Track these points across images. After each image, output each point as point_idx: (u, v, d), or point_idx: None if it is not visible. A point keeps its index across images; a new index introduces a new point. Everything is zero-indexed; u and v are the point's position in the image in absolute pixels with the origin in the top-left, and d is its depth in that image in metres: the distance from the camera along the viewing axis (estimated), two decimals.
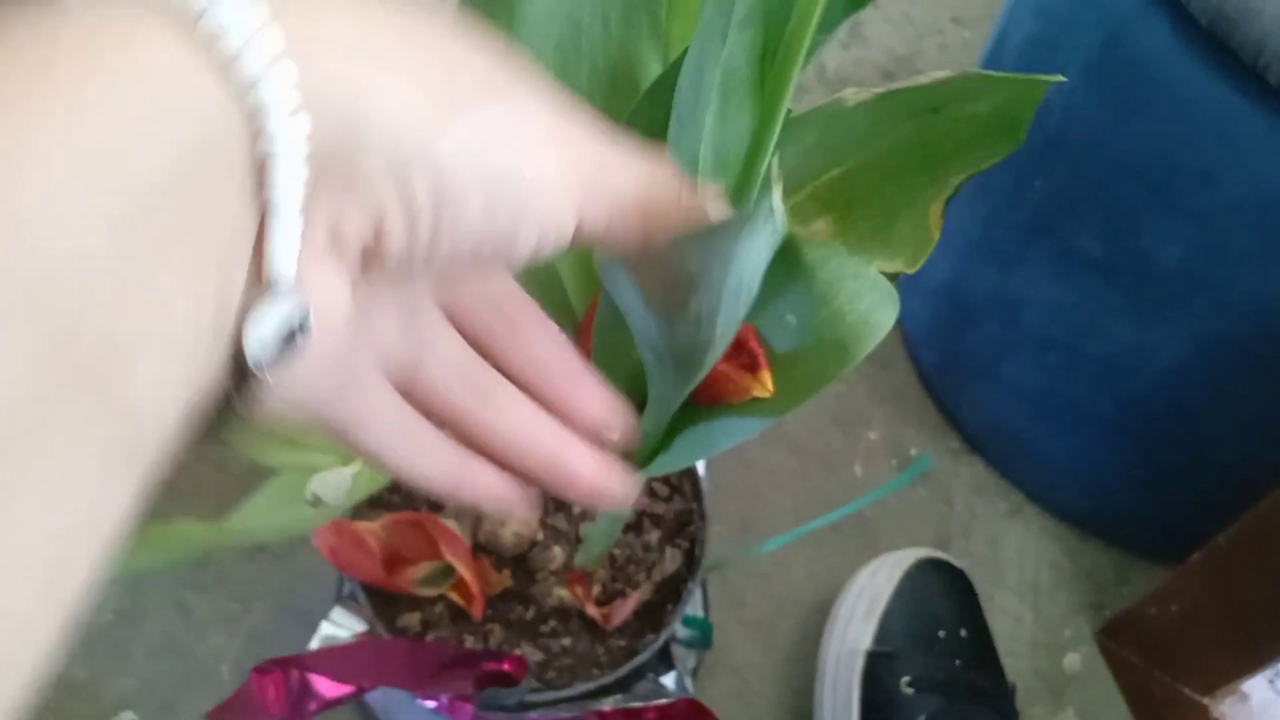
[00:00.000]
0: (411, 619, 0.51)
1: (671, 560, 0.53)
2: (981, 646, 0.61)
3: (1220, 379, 0.57)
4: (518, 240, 0.20)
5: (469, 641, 0.51)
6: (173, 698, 0.60)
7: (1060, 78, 0.30)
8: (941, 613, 0.61)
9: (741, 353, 0.34)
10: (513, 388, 0.25)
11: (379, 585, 0.50)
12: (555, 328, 0.27)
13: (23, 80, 0.13)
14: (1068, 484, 0.71)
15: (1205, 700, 0.61)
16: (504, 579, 0.53)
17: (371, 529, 0.50)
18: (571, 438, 0.26)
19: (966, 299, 0.69)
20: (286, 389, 0.19)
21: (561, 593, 0.51)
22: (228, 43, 0.15)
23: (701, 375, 0.34)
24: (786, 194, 0.36)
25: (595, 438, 0.26)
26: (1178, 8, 0.49)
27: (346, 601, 0.53)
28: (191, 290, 0.15)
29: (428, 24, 0.19)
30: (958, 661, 0.59)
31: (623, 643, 0.51)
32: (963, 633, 0.61)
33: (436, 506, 0.55)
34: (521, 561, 0.54)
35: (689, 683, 0.55)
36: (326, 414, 0.22)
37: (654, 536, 0.54)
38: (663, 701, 0.46)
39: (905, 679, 0.58)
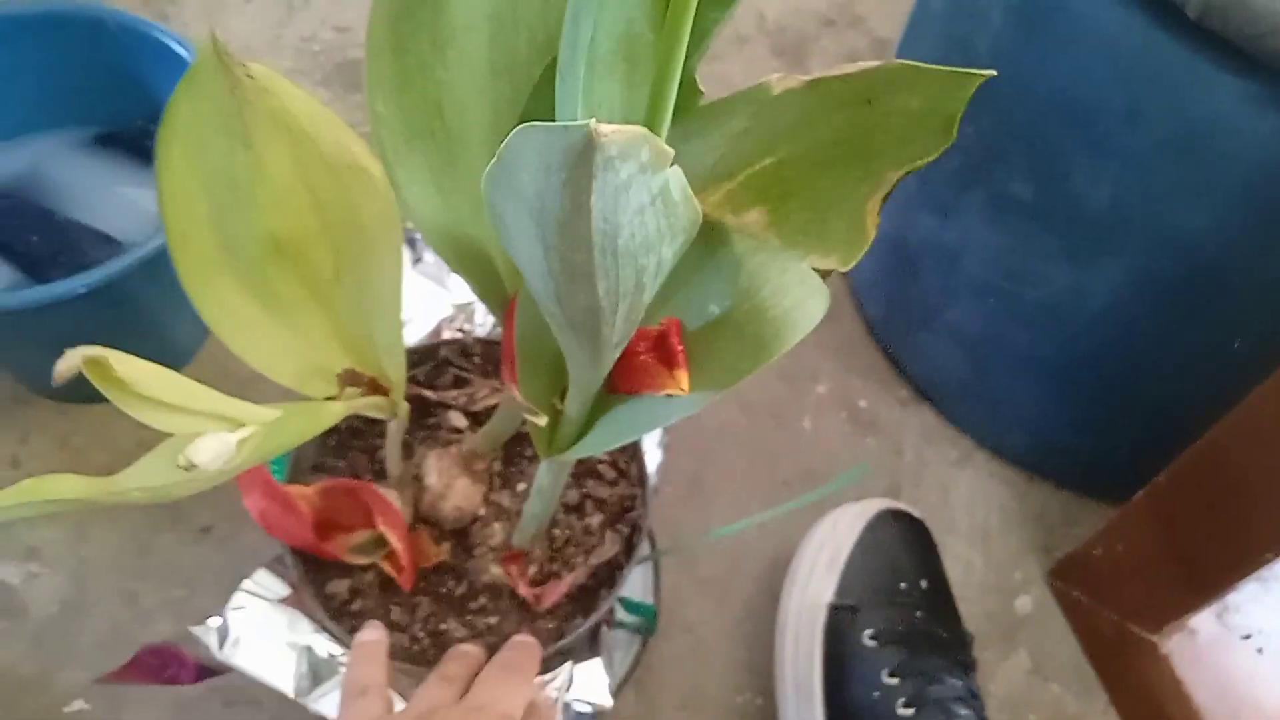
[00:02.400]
0: (340, 586, 0.51)
1: (611, 544, 0.52)
2: (941, 597, 0.61)
3: (1153, 319, 0.56)
4: None
5: (395, 613, 0.51)
6: (122, 687, 0.59)
7: (991, 73, 0.29)
8: (902, 564, 0.61)
9: (662, 347, 0.34)
10: None
11: (309, 550, 0.50)
12: None
13: None
14: (1014, 429, 0.71)
15: (1154, 637, 0.62)
16: (441, 551, 0.52)
17: (305, 493, 0.50)
18: None
19: (907, 249, 0.69)
20: None
21: (496, 570, 0.51)
22: None
23: (607, 351, 0.33)
24: (719, 179, 0.35)
25: None
26: None
27: (274, 565, 0.52)
28: None
29: None
30: (919, 613, 0.59)
31: (552, 625, 0.51)
32: (923, 584, 0.61)
33: (380, 475, 0.54)
34: (462, 536, 0.54)
35: (608, 671, 0.54)
36: None
37: (596, 520, 0.53)
38: None
39: (868, 632, 0.58)
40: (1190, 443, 0.54)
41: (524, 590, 0.50)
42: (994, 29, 0.55)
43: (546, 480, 0.47)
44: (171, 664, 0.49)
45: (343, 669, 0.49)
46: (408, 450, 0.55)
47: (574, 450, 0.40)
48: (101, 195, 0.67)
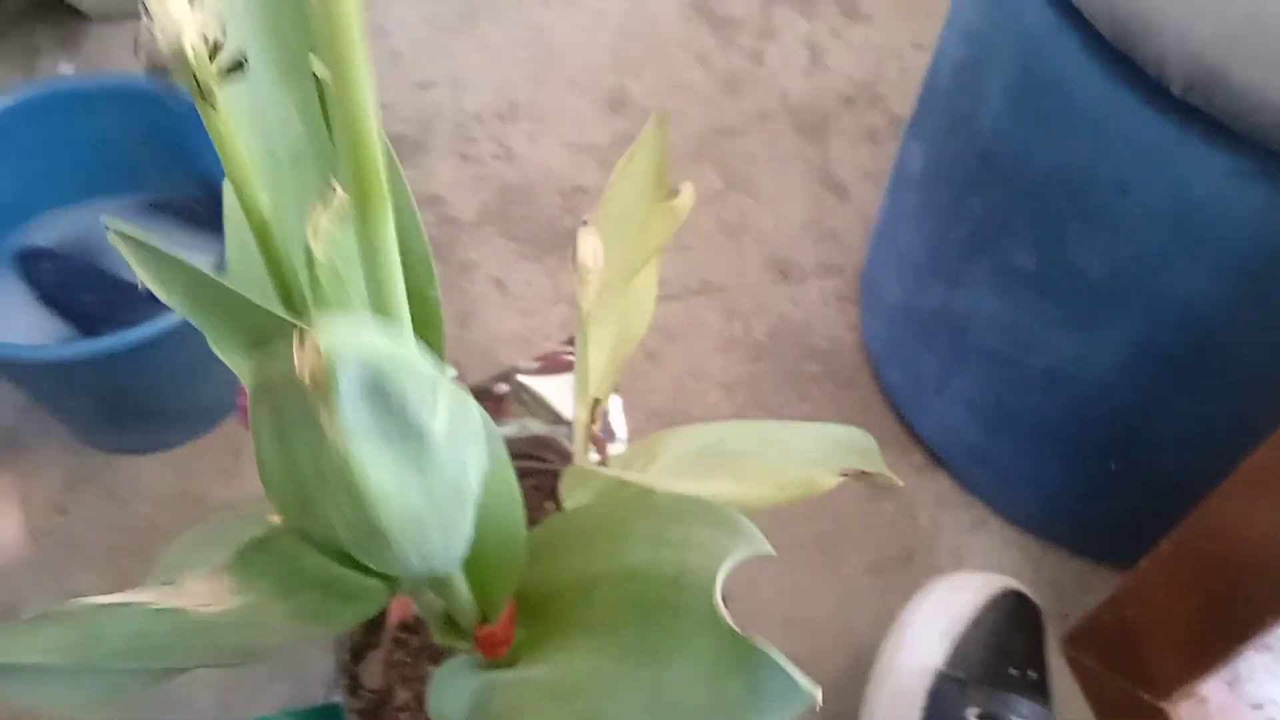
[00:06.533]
0: None
1: None
2: (1046, 692, 0.61)
3: (1153, 386, 0.58)
4: None
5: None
6: None
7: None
8: (1016, 648, 0.61)
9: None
10: None
11: None
12: None
13: None
14: (1027, 495, 0.72)
15: (1164, 705, 0.62)
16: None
17: None
18: None
19: (918, 316, 0.71)
20: None
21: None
22: None
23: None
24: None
25: None
26: (1086, 25, 0.51)
27: None
28: None
29: None
30: (1024, 705, 0.59)
31: None
32: (1031, 673, 0.60)
33: None
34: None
35: None
36: None
37: None
38: None
39: (974, 710, 0.58)
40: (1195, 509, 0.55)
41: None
42: (994, 108, 0.57)
43: None
44: None
45: None
46: None
47: None
48: None
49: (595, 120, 0.93)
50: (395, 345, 0.19)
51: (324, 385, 0.18)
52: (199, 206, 0.73)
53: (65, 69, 0.89)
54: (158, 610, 0.27)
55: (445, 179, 0.88)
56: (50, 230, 0.72)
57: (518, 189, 0.88)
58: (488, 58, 0.97)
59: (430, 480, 0.22)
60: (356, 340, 0.18)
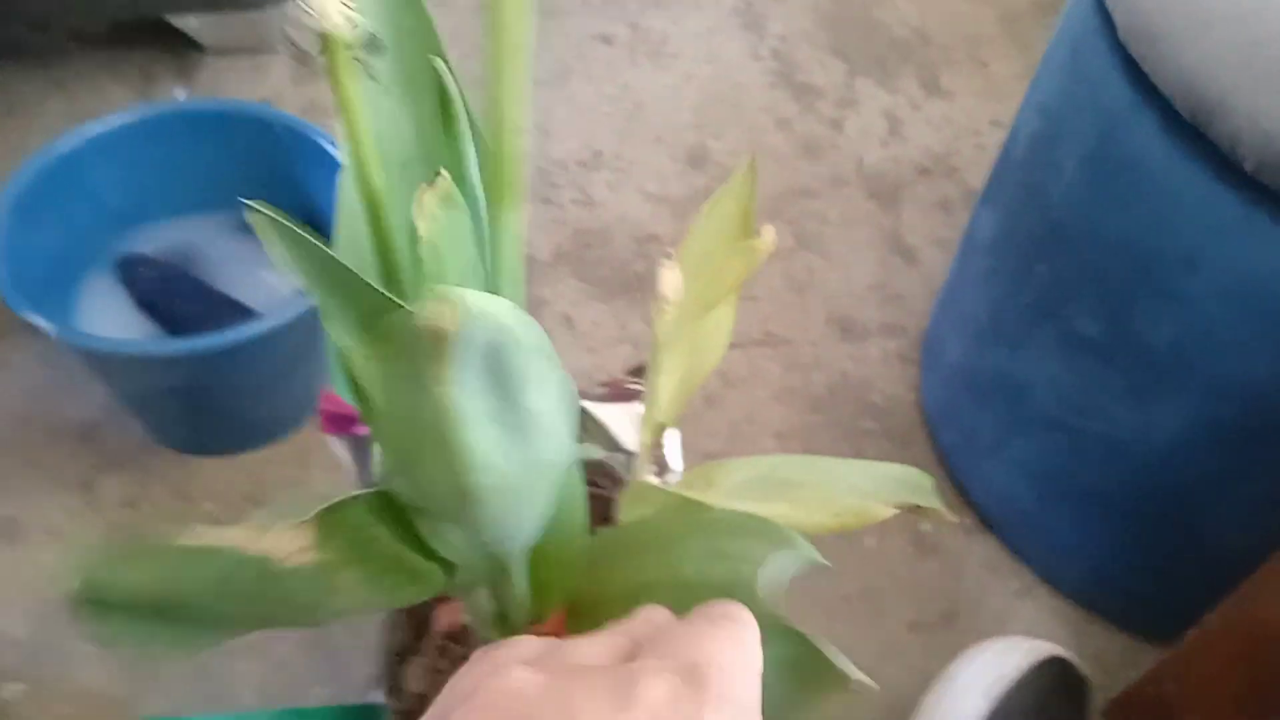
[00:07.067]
0: None
1: None
2: None
3: (1213, 460, 0.58)
4: None
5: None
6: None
7: None
8: (1057, 716, 0.62)
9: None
10: None
11: None
12: None
13: None
14: (1076, 564, 0.72)
15: None
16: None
17: None
18: None
19: (978, 379, 0.72)
20: None
21: None
22: None
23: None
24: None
25: None
26: (1163, 103, 0.52)
27: None
28: None
29: None
30: None
31: None
32: None
33: None
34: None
35: None
36: None
37: None
38: None
39: None
40: None
41: None
42: (1067, 178, 0.59)
43: None
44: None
45: None
46: None
47: None
48: (245, 274, 0.75)
49: (674, 174, 0.96)
50: (521, 319, 0.21)
51: (442, 343, 0.20)
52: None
53: (179, 94, 0.95)
54: (243, 557, 0.29)
55: (525, 219, 0.91)
56: (152, 239, 0.76)
57: (594, 233, 0.91)
58: (576, 111, 1.01)
59: (528, 452, 0.24)
60: (487, 307, 0.20)
